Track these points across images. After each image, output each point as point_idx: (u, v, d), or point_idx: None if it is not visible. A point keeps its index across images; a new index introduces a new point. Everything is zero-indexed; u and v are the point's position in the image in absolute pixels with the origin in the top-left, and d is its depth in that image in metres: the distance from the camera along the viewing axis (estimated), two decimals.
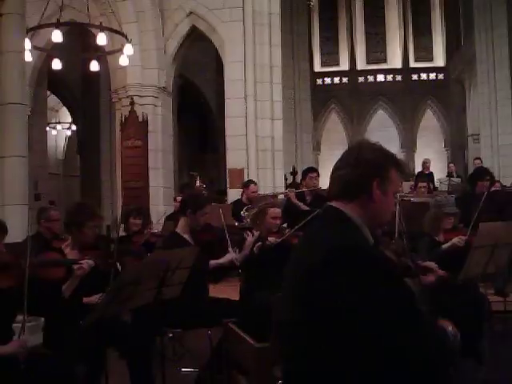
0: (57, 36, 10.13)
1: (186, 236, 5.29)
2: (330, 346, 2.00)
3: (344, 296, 1.97)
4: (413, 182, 13.78)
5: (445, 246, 5.53)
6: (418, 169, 19.87)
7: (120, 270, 4.51)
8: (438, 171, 18.81)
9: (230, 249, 5.63)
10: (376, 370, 1.97)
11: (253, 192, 9.68)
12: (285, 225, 6.48)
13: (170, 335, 5.64)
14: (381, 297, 1.97)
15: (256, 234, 5.72)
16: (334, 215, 2.22)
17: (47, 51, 12.77)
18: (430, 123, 30.56)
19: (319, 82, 30.85)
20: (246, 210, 9.13)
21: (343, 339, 1.98)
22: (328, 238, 2.11)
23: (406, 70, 31.12)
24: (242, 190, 10.05)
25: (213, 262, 5.37)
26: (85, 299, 4.32)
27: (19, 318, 3.73)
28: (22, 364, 3.42)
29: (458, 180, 14.37)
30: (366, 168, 2.22)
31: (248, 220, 8.78)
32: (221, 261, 5.43)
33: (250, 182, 10.12)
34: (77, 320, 4.04)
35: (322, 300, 2.00)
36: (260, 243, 5.64)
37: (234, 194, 10.63)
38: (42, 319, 4.50)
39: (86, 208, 4.65)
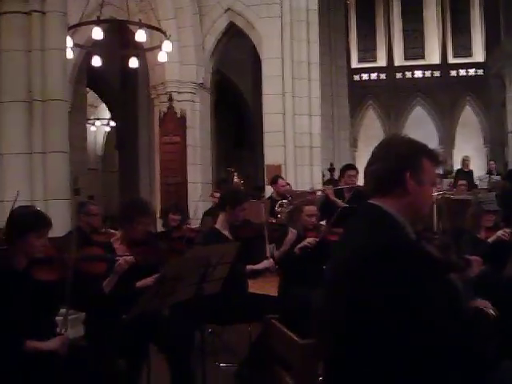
0: (97, 33, 10.26)
1: (226, 232, 5.32)
2: (370, 344, 1.98)
3: (385, 294, 1.95)
4: (452, 180, 13.65)
5: (490, 239, 5.46)
6: (457, 166, 19.63)
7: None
8: (477, 168, 18.54)
9: (267, 246, 5.64)
10: (417, 368, 1.95)
11: (282, 186, 9.78)
12: (323, 222, 6.46)
13: (210, 330, 5.68)
14: (423, 293, 1.94)
15: (294, 232, 5.71)
16: (373, 212, 2.21)
17: (87, 48, 12.92)
18: (468, 119, 30.11)
19: (356, 78, 30.60)
20: (280, 206, 9.17)
21: (385, 338, 1.96)
22: (367, 236, 2.10)
23: (444, 66, 30.69)
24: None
25: (249, 267, 5.37)
26: (138, 283, 4.35)
27: (62, 311, 3.79)
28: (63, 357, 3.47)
29: (497, 178, 14.16)
30: (396, 161, 2.20)
31: (282, 215, 8.82)
32: (256, 267, 5.43)
33: (277, 177, 10.22)
34: (118, 314, 4.08)
35: (363, 298, 1.98)
36: (302, 244, 5.61)
37: (271, 190, 10.64)
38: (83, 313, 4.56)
39: (140, 204, 4.70)
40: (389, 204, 2.19)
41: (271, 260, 5.50)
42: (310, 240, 5.63)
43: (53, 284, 3.64)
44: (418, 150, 2.25)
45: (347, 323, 2.03)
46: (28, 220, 3.60)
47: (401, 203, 2.19)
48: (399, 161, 2.20)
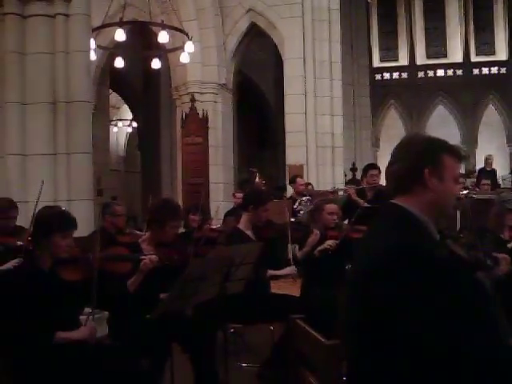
0: (120, 35, 10.34)
1: (249, 232, 5.31)
2: (388, 347, 1.98)
3: (403, 297, 1.93)
4: (474, 179, 13.53)
5: None
6: (479, 165, 19.46)
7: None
8: (500, 168, 18.38)
9: (289, 247, 5.63)
10: (437, 370, 1.94)
11: (300, 185, 9.86)
12: (345, 222, 6.44)
13: (232, 330, 5.69)
14: (441, 298, 1.93)
15: (317, 232, 5.70)
16: (395, 212, 2.19)
17: (110, 50, 13.01)
18: (491, 119, 29.80)
19: (378, 77, 30.42)
20: (299, 203, 9.21)
21: (402, 341, 1.95)
22: (389, 237, 2.08)
23: (466, 65, 30.38)
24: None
25: (271, 273, 5.35)
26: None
27: (86, 310, 3.83)
28: (88, 354, 3.50)
29: None
30: (415, 158, 2.19)
31: (302, 212, 8.83)
32: (278, 273, 5.41)
33: (295, 176, 10.27)
34: (143, 314, 4.11)
35: (382, 301, 1.97)
36: (322, 247, 5.59)
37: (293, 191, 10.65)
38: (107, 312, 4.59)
39: (171, 206, 4.67)
40: (411, 203, 2.17)
41: (293, 267, 5.48)
42: (330, 242, 5.59)
43: (78, 283, 3.67)
44: (437, 146, 2.23)
45: (367, 324, 2.03)
46: (53, 221, 3.63)
47: (423, 201, 2.17)
48: (418, 158, 2.18)
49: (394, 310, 1.94)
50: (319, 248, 5.58)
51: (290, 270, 5.45)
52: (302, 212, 9.05)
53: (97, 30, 10.66)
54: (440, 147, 2.23)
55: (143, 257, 4.20)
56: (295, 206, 9.37)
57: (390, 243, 2.03)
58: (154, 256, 4.20)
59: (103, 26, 10.95)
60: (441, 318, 1.91)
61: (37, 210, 4.45)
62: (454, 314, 1.92)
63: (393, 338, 1.95)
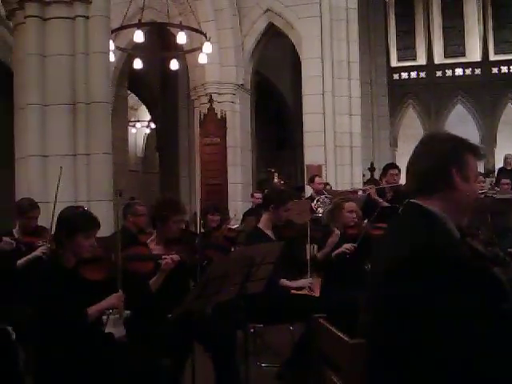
0: (138, 36, 10.41)
1: (269, 232, 5.30)
2: (406, 347, 1.97)
3: (429, 297, 1.92)
4: (493, 179, 13.42)
5: None
6: (499, 165, 19.30)
7: (205, 263, 4.59)
8: None
9: (308, 247, 5.62)
10: (456, 371, 1.93)
11: (319, 184, 9.90)
12: (365, 221, 6.42)
13: (252, 330, 5.69)
14: (467, 298, 1.92)
15: (337, 233, 5.67)
16: (416, 212, 2.17)
17: (129, 51, 13.08)
18: (510, 117, 29.56)
19: (396, 76, 30.32)
20: (317, 201, 9.23)
21: (421, 341, 1.94)
22: (412, 238, 2.06)
23: (485, 63, 30.16)
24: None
25: (285, 283, 5.28)
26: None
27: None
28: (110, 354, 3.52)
29: None
30: (441, 158, 2.16)
31: (320, 211, 8.83)
32: (293, 284, 5.36)
33: (314, 176, 10.32)
34: (164, 313, 4.12)
35: (406, 301, 1.96)
36: (339, 251, 5.57)
37: (311, 190, 10.64)
38: (127, 312, 4.61)
39: (171, 202, 4.73)
40: (433, 203, 2.15)
41: (309, 279, 5.44)
42: (347, 246, 5.54)
43: (100, 283, 3.70)
44: (462, 146, 2.21)
45: (386, 325, 2.02)
46: (77, 221, 3.66)
47: (446, 201, 2.15)
48: (444, 157, 2.16)
49: (419, 310, 1.93)
50: (336, 252, 5.54)
51: (305, 282, 5.41)
52: (320, 210, 9.06)
53: (115, 32, 10.71)
54: (464, 146, 2.21)
55: (165, 256, 4.22)
56: (313, 204, 9.40)
57: (415, 243, 2.01)
58: (175, 255, 4.23)
59: (122, 28, 11.02)
60: (467, 317, 1.90)
61: (56, 209, 4.50)
62: (480, 313, 1.91)
63: (417, 337, 1.94)
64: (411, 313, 1.94)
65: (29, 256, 5.28)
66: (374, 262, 2.28)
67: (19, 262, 5.27)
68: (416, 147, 2.29)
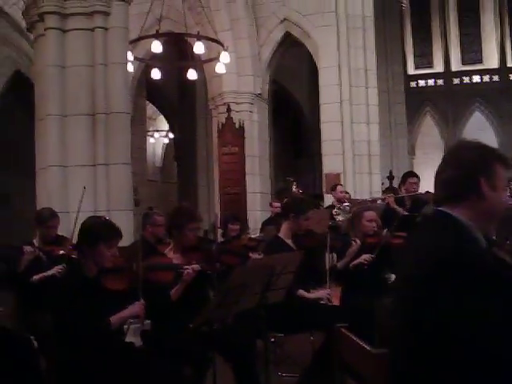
0: (156, 46, 10.48)
1: (289, 241, 5.30)
2: (434, 357, 1.95)
3: (457, 306, 1.91)
4: None
5: None
6: None
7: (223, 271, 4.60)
8: None
9: (327, 256, 5.59)
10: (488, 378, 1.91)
11: (340, 192, 9.89)
12: (385, 230, 6.40)
13: (272, 339, 5.67)
14: (490, 308, 1.90)
15: (358, 243, 5.66)
16: (443, 220, 2.15)
17: (147, 61, 13.16)
18: None
19: (413, 84, 30.22)
20: (338, 208, 9.23)
21: (448, 351, 1.93)
22: (440, 246, 2.05)
23: (503, 70, 29.96)
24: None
25: (302, 294, 5.26)
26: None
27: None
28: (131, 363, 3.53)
29: None
30: (469, 167, 2.15)
31: (340, 218, 8.81)
32: (310, 296, 5.35)
33: (336, 184, 10.33)
34: (184, 323, 4.12)
35: (434, 310, 1.94)
36: (357, 262, 5.55)
37: (330, 199, 10.64)
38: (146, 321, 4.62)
39: (186, 210, 4.74)
40: (460, 211, 2.14)
41: (327, 290, 5.42)
42: (365, 257, 5.52)
43: (121, 292, 3.71)
44: (491, 155, 2.20)
45: (414, 334, 2.01)
46: (99, 230, 3.69)
47: (473, 210, 2.14)
48: (472, 166, 2.15)
49: (448, 319, 1.92)
50: (354, 262, 5.54)
51: (323, 293, 5.37)
52: (339, 218, 9.06)
53: (134, 43, 10.79)
54: (493, 156, 2.20)
55: (186, 267, 4.23)
56: (334, 211, 9.43)
57: (443, 252, 2.00)
58: (196, 265, 4.24)
59: (140, 39, 11.09)
60: (495, 324, 1.89)
61: (78, 219, 4.53)
62: (507, 321, 1.90)
63: (445, 345, 1.93)
64: (440, 321, 1.93)
65: (44, 273, 5.33)
66: (400, 270, 2.26)
67: (35, 277, 5.33)
68: (445, 155, 2.28)
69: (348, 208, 9.07)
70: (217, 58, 11.68)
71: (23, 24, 8.77)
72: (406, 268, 2.18)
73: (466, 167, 2.16)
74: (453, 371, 1.94)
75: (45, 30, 7.29)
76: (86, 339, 3.43)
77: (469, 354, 1.91)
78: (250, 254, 5.44)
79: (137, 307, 3.67)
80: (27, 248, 5.40)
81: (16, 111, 16.99)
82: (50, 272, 5.32)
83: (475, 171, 2.15)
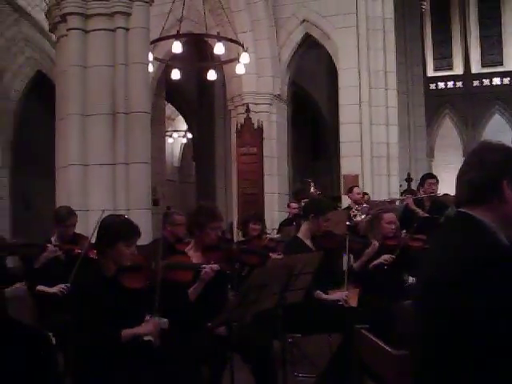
0: (177, 47, 10.52)
1: (308, 241, 5.29)
2: (459, 361, 1.92)
3: (482, 310, 1.87)
4: None
5: None
6: None
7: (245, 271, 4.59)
8: None
9: (344, 256, 5.57)
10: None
11: (358, 194, 9.91)
12: (403, 231, 6.37)
13: (290, 340, 5.67)
14: None
15: (376, 244, 5.64)
16: (469, 223, 2.11)
17: (167, 62, 13.21)
18: None
19: (432, 86, 30.04)
20: (356, 209, 9.23)
21: (477, 356, 1.89)
22: (464, 249, 2.01)
23: None
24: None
25: (319, 295, 5.24)
26: None
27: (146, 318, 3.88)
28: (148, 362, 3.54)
29: None
30: (492, 169, 2.10)
31: (358, 219, 8.80)
32: (328, 297, 5.32)
33: (352, 186, 10.34)
34: (202, 322, 4.13)
35: (458, 313, 1.91)
36: (377, 262, 5.53)
37: (348, 201, 10.61)
38: (165, 320, 4.63)
39: (207, 209, 4.71)
40: (483, 213, 2.10)
41: (345, 292, 5.39)
42: (385, 257, 5.51)
43: (140, 291, 3.72)
44: None
45: (439, 336, 1.99)
46: (118, 229, 3.70)
47: (495, 213, 2.10)
48: (495, 168, 2.11)
49: (471, 323, 1.89)
50: (374, 262, 5.52)
51: (340, 295, 5.34)
52: (357, 218, 9.05)
53: (154, 43, 10.83)
54: None
55: (204, 266, 4.24)
56: (351, 211, 9.44)
57: (468, 255, 1.97)
58: (215, 265, 4.24)
59: (160, 39, 11.14)
60: None
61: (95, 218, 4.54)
62: None
63: (468, 350, 1.91)
64: (476, 326, 1.89)
65: (46, 289, 5.36)
66: (421, 273, 2.23)
67: (37, 288, 5.37)
68: (467, 157, 2.25)
69: (366, 209, 9.06)
70: (236, 59, 11.70)
71: (45, 25, 8.86)
72: (430, 269, 2.15)
73: (489, 169, 2.12)
74: (481, 376, 1.90)
75: (67, 30, 7.36)
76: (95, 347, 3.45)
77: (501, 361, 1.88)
78: (270, 254, 5.42)
79: (151, 325, 3.65)
80: (50, 247, 5.44)
81: (38, 112, 17.13)
82: (52, 290, 5.34)
83: (498, 173, 2.10)
